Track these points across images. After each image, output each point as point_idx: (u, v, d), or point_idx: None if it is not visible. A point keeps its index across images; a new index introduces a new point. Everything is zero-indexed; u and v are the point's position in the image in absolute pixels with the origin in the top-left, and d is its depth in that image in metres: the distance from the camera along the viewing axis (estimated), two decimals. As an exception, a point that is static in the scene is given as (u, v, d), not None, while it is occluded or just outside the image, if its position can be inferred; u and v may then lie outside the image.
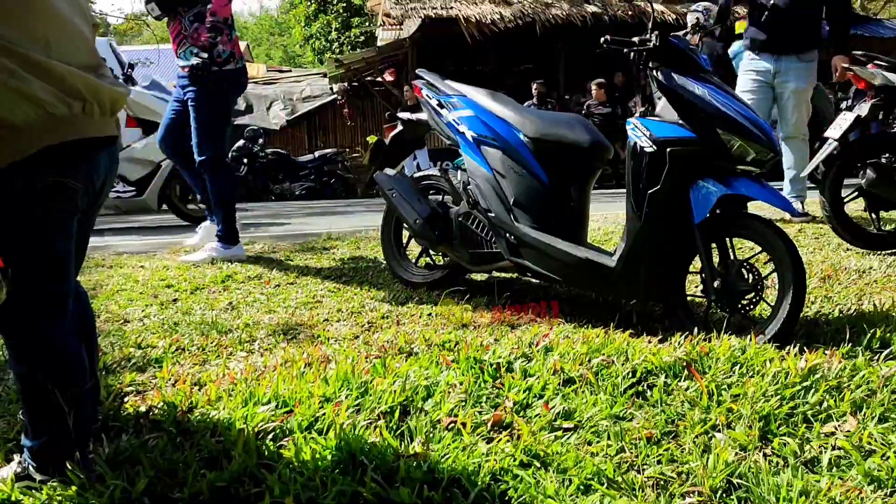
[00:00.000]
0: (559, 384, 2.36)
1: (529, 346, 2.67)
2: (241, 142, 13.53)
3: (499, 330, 3.00)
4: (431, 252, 3.72)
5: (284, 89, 17.90)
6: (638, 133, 2.87)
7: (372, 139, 14.69)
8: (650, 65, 2.95)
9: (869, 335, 2.62)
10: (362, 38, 24.72)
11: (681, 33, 3.07)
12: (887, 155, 4.04)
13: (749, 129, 2.75)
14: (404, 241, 3.95)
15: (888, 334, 2.64)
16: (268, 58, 40.58)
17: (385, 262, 3.99)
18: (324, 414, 2.14)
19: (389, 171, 3.77)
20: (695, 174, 2.79)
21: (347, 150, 15.59)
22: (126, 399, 2.40)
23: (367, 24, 24.43)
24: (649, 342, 2.70)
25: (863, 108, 4.01)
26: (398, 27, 17.24)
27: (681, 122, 2.82)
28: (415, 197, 3.58)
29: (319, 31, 26.07)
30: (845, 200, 4.19)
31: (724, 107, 2.76)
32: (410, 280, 3.75)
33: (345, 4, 25.94)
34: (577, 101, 15.30)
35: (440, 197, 3.71)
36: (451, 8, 15.37)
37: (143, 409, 2.29)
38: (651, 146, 2.82)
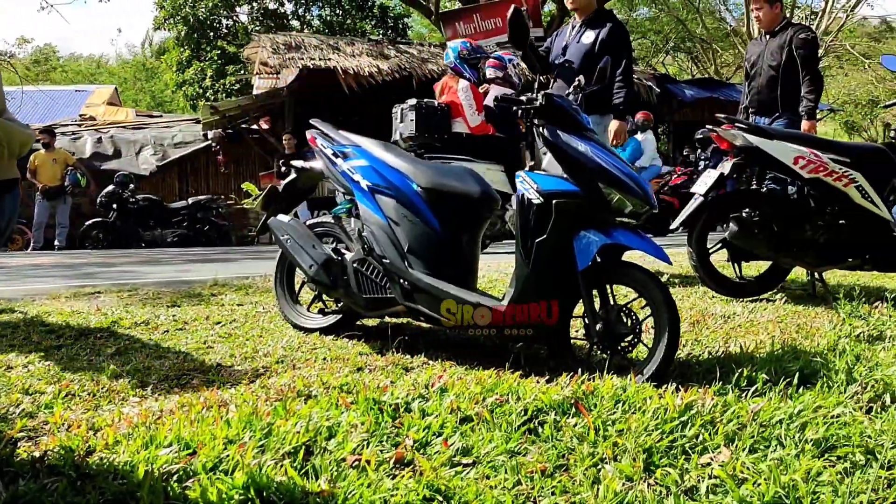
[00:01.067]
0: (456, 422, 2.46)
1: (426, 387, 2.77)
2: (110, 187, 13.19)
3: (394, 372, 3.10)
4: (325, 297, 3.78)
5: (155, 134, 17.57)
6: (526, 186, 3.05)
7: (247, 186, 14.59)
8: (536, 122, 3.15)
9: (737, 374, 2.85)
10: (237, 85, 24.57)
11: (565, 93, 3.28)
12: (747, 210, 4.38)
13: (627, 184, 2.97)
14: (297, 286, 4.00)
15: (753, 373, 2.87)
16: (135, 103, 39.62)
17: (278, 307, 4.02)
18: (228, 455, 2.16)
19: (283, 218, 3.82)
20: (578, 225, 2.99)
21: (222, 196, 15.39)
22: (19, 444, 2.35)
23: (242, 71, 24.31)
24: (538, 382, 2.84)
25: (725, 167, 4.36)
26: (275, 76, 17.28)
27: (565, 176, 3.02)
28: (309, 243, 3.64)
29: (193, 77, 25.73)
30: (710, 251, 4.52)
31: (605, 163, 2.98)
32: (303, 325, 3.80)
33: (219, 52, 25.76)
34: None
35: (334, 243, 3.79)
36: (329, 60, 15.56)
37: (37, 454, 2.25)
38: (538, 198, 3.00)
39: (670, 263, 3.16)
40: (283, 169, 12.77)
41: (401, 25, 28.81)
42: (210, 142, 16.59)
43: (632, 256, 3.33)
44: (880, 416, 2.58)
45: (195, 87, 25.68)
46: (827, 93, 42.98)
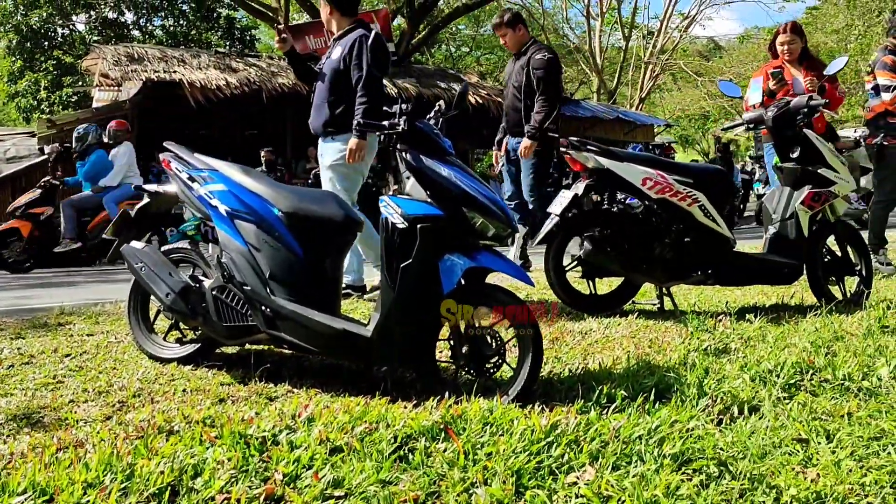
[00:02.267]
0: (326, 454, 2.43)
1: (293, 417, 2.72)
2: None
3: (258, 403, 3.03)
4: (182, 326, 3.65)
5: (-16, 149, 16.54)
6: (390, 210, 3.05)
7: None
8: (399, 146, 3.17)
9: (597, 392, 2.94)
10: (75, 98, 23.47)
11: (427, 118, 3.31)
12: (600, 228, 4.55)
13: (490, 208, 3.03)
14: (152, 315, 3.84)
15: (613, 390, 2.98)
16: (-39, 115, 37.20)
17: (132, 337, 3.85)
18: (89, 500, 2.06)
19: (137, 244, 3.67)
20: (443, 248, 3.01)
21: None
22: None
23: (80, 83, 23.28)
24: (405, 407, 2.85)
25: (579, 188, 4.51)
26: (117, 88, 16.67)
27: (429, 200, 3.04)
28: (165, 271, 3.52)
29: (26, 88, 24.38)
30: (566, 269, 4.66)
31: (468, 187, 3.03)
32: (160, 355, 3.65)
33: (55, 62, 24.56)
34: (304, 168, 15.56)
35: (191, 270, 3.68)
36: (175, 72, 15.16)
37: None
38: (403, 223, 3.01)
39: (532, 285, 3.23)
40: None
41: (248, 37, 28.30)
42: (46, 157, 15.74)
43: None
44: (730, 428, 2.73)
45: (29, 98, 24.33)
46: (663, 108, 45.36)
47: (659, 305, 4.86)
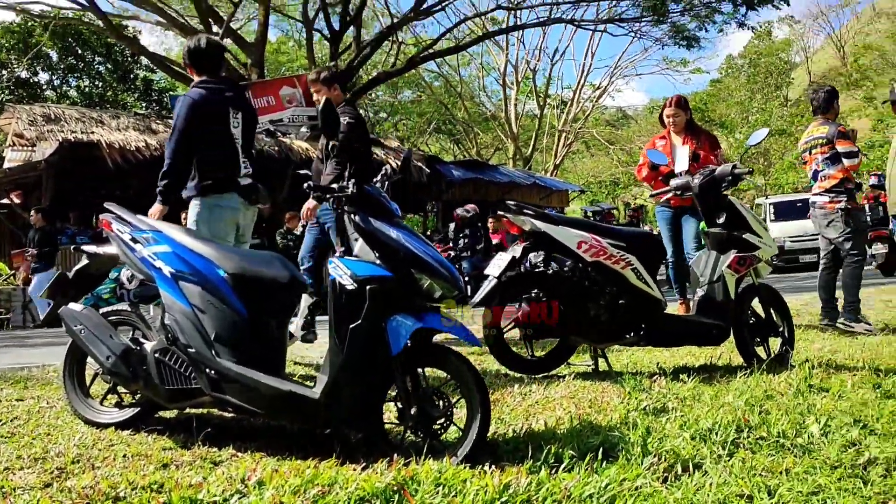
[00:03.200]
0: (280, 517, 2.41)
1: (242, 481, 2.67)
2: None
3: (204, 467, 2.97)
4: (121, 389, 3.56)
5: None
6: (339, 272, 3.07)
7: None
8: (347, 209, 3.20)
9: (545, 452, 2.98)
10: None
11: (373, 182, 3.37)
12: (536, 290, 4.63)
13: (438, 269, 3.08)
14: (88, 378, 3.74)
15: (560, 450, 3.01)
16: None
17: (66, 401, 3.74)
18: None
19: (75, 306, 3.59)
20: (391, 309, 3.04)
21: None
22: None
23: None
24: (355, 469, 2.84)
25: (516, 250, 4.61)
26: (31, 148, 16.33)
27: (378, 262, 3.08)
28: (105, 333, 3.45)
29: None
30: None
31: (417, 249, 3.08)
32: (97, 420, 3.54)
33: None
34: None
35: (131, 332, 3.61)
36: (92, 133, 14.90)
37: None
38: (352, 284, 3.03)
39: (479, 345, 3.27)
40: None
41: (165, 99, 28.05)
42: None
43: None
44: (676, 486, 2.78)
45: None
46: (576, 174, 46.69)
47: (594, 367, 4.95)
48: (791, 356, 5.13)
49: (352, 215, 3.18)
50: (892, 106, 6.34)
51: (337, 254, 3.24)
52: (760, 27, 33.89)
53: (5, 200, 15.48)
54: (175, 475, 2.82)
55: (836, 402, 3.90)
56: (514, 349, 4.83)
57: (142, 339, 3.52)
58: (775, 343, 5.30)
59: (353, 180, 3.18)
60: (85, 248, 3.73)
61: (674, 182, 5.49)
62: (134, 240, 3.46)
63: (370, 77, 25.25)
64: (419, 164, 18.51)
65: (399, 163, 17.65)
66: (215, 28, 17.60)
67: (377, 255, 3.10)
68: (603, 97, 41.12)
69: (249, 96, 16.90)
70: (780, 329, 5.28)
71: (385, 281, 3.04)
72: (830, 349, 5.80)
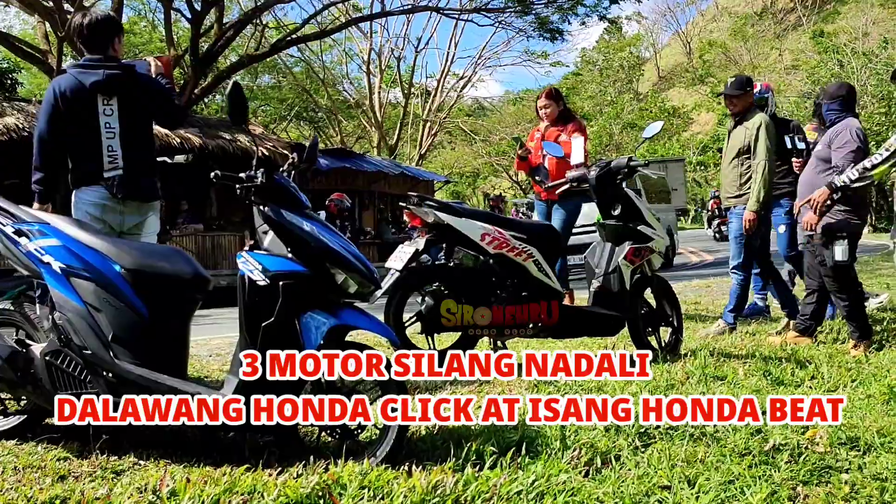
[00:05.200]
0: (200, 530, 2.26)
1: (154, 492, 2.50)
2: None
3: (105, 478, 2.76)
4: (5, 395, 3.28)
5: None
6: (249, 267, 2.91)
7: None
8: (255, 200, 3.04)
9: (466, 449, 2.92)
10: None
11: (280, 171, 3.20)
12: (437, 283, 4.57)
13: (353, 264, 2.96)
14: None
15: (480, 447, 2.96)
16: None
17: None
18: None
19: (-49, 307, 3.29)
20: (305, 306, 2.91)
21: None
22: None
23: None
24: (270, 475, 2.70)
25: (419, 243, 4.52)
26: None
27: (290, 256, 2.94)
28: (-13, 335, 3.18)
29: None
30: (407, 324, 4.63)
31: (331, 242, 2.95)
32: (-23, 430, 3.27)
33: None
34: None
35: (15, 332, 3.33)
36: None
37: None
38: (264, 280, 2.88)
39: (397, 342, 3.18)
40: None
41: (9, 81, 26.26)
42: None
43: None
44: (598, 479, 2.78)
45: None
46: (440, 165, 47.10)
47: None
48: (681, 345, 5.26)
49: (261, 207, 3.02)
50: (724, 99, 6.55)
51: (246, 247, 3.07)
52: (619, 21, 34.90)
53: None
54: (76, 487, 2.61)
55: (734, 389, 4.00)
56: (415, 343, 4.76)
57: (27, 341, 3.25)
58: (665, 333, 5.42)
59: (261, 170, 3.02)
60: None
61: (570, 174, 5.53)
62: (18, 232, 3.19)
63: (233, 63, 24.47)
64: (285, 151, 18.04)
65: (265, 151, 17.28)
66: (66, 6, 16.52)
67: (289, 249, 2.95)
68: (467, 87, 41.51)
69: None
70: (671, 318, 5.40)
71: (299, 276, 2.90)
72: (714, 338, 5.99)
